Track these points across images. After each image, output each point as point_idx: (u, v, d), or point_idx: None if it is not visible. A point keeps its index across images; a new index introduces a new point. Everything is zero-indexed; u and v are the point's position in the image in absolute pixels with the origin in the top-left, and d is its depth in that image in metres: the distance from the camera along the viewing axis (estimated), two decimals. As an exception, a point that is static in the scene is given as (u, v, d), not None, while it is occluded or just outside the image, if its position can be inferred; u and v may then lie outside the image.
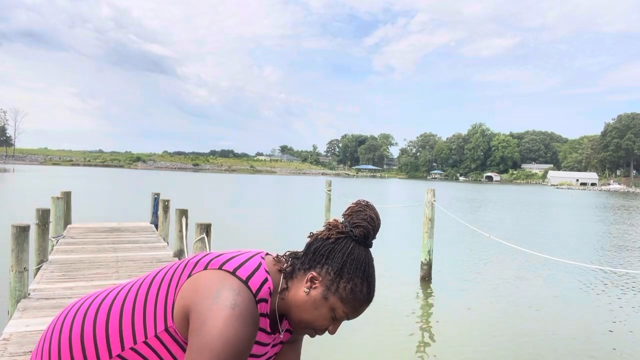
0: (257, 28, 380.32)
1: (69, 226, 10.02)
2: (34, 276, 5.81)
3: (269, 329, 1.20)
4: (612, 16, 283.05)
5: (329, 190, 13.87)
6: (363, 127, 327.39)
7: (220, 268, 1.13)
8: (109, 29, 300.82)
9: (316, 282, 1.19)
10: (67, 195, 10.64)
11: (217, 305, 1.05)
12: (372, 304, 1.26)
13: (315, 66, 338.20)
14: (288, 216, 22.55)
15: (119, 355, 1.14)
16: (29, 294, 4.85)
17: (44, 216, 6.13)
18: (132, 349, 1.13)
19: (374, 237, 1.25)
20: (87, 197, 24.40)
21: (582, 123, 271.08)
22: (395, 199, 38.22)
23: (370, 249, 1.26)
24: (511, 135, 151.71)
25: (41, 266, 6.12)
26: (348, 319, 1.22)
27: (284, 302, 1.20)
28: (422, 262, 9.17)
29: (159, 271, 1.23)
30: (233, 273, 1.11)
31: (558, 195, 64.23)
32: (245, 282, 1.11)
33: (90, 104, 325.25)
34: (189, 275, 1.14)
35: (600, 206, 40.33)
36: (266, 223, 19.17)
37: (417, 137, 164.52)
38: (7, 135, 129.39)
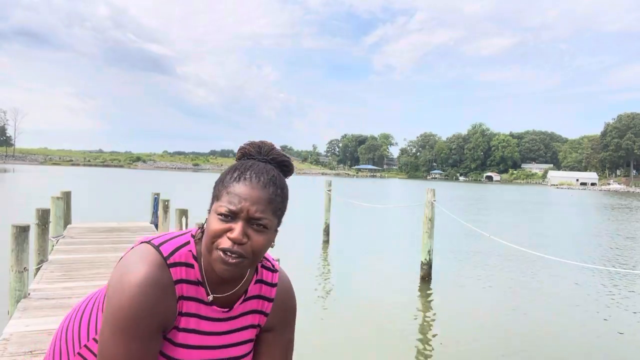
0: (255, 27, 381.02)
1: (69, 226, 10.01)
2: (34, 276, 5.81)
3: (207, 299, 1.12)
4: (612, 15, 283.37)
5: (329, 190, 13.86)
6: (363, 127, 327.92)
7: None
8: (107, 28, 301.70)
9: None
10: (67, 195, 10.63)
11: (114, 276, 1.04)
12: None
13: (314, 65, 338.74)
14: (287, 216, 22.49)
15: (78, 354, 1.15)
16: (29, 294, 4.84)
17: (44, 216, 6.12)
18: (85, 346, 1.15)
19: (262, 154, 1.15)
20: (87, 197, 24.39)
21: (582, 123, 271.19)
22: (395, 199, 38.20)
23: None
24: (511, 135, 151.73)
25: (41, 266, 6.12)
26: (232, 207, 1.04)
27: None
28: (422, 262, 9.17)
29: None
30: (149, 242, 1.09)
31: (558, 195, 64.21)
32: (157, 247, 1.07)
33: (89, 103, 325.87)
34: None
35: (601, 206, 40.32)
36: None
37: (417, 137, 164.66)
38: (7, 135, 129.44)
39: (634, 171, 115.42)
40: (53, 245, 7.67)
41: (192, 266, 1.09)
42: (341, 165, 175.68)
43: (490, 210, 29.85)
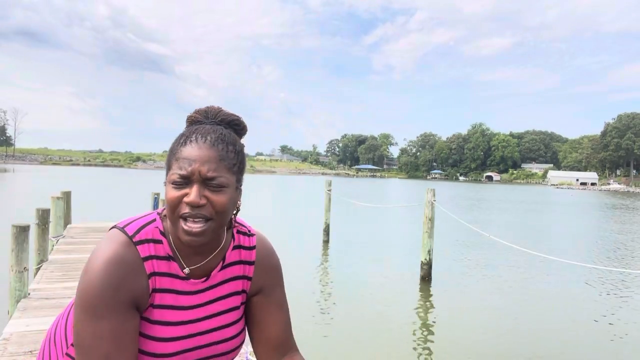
0: (255, 27, 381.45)
1: (69, 226, 10.01)
2: (34, 276, 5.81)
3: (182, 274, 1.11)
4: (613, 15, 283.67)
5: (329, 190, 13.85)
6: (363, 127, 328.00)
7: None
8: (106, 27, 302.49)
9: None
10: (67, 195, 10.62)
11: (85, 264, 1.05)
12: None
13: (314, 65, 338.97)
14: (287, 216, 22.54)
15: (66, 354, 1.15)
16: (29, 294, 4.85)
17: (44, 216, 6.12)
18: (72, 345, 1.15)
19: (209, 117, 1.13)
20: (87, 197, 24.38)
21: (582, 123, 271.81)
22: (395, 199, 38.21)
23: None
24: (511, 135, 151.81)
25: (41, 266, 6.12)
26: (183, 171, 1.02)
27: None
28: (422, 262, 9.17)
29: None
30: (115, 226, 1.10)
31: (558, 195, 64.21)
32: (122, 228, 1.07)
33: (89, 103, 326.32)
34: None
35: (602, 206, 40.32)
36: (265, 223, 19.14)
37: (417, 137, 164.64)
38: (7, 135, 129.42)
39: (634, 171, 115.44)
40: (53, 245, 7.67)
41: (160, 242, 1.09)
42: (341, 165, 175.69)
43: (490, 210, 29.85)
